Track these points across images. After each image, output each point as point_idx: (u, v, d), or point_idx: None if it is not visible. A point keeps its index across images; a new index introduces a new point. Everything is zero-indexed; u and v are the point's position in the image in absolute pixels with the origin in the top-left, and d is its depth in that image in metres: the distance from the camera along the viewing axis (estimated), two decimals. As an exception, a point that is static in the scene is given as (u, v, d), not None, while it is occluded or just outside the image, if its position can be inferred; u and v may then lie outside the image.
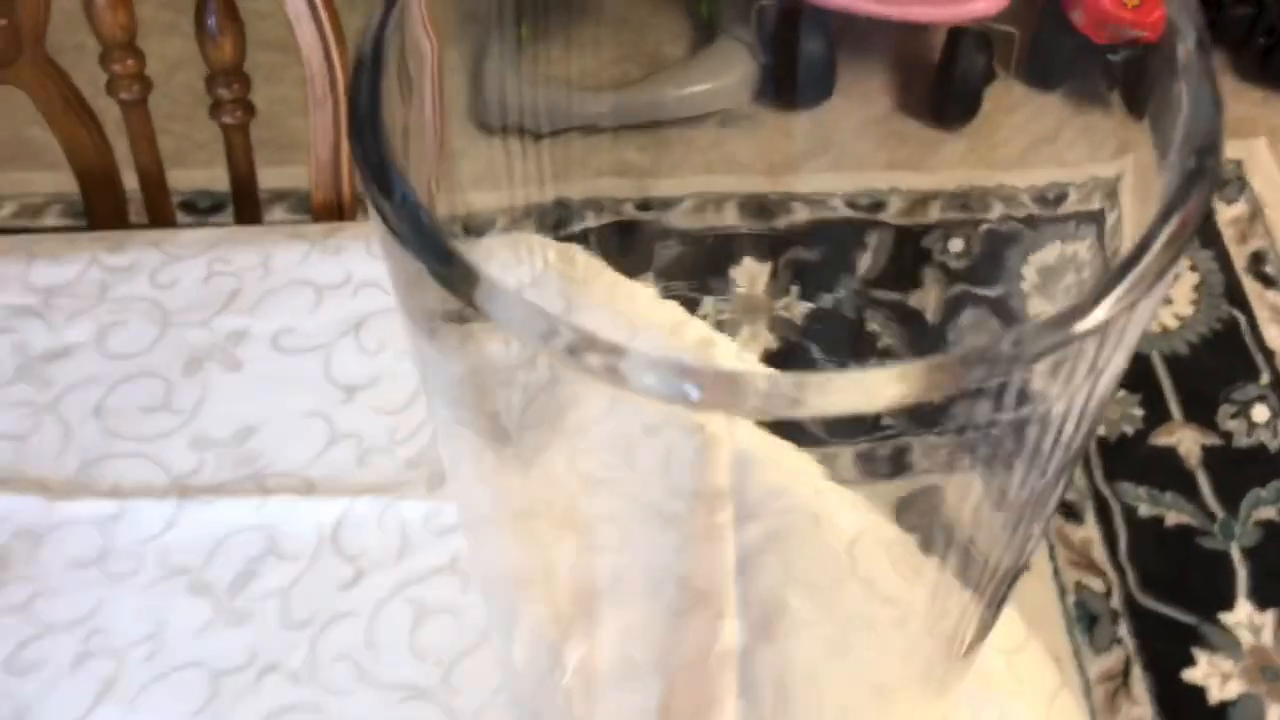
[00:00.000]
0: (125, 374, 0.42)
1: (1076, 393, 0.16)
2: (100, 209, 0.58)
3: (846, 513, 0.42)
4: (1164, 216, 0.12)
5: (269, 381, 0.42)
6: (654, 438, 0.38)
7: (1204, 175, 0.12)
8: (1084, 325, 0.12)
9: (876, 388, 0.12)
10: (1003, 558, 0.21)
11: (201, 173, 0.93)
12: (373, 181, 0.13)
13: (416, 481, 0.39)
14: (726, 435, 0.38)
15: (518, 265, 0.45)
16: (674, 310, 0.43)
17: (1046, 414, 0.17)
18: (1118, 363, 0.16)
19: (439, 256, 0.13)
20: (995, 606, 0.24)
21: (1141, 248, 0.12)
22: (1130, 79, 0.18)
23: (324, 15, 0.53)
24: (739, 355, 0.41)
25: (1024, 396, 0.15)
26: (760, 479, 0.34)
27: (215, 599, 0.37)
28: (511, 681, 0.31)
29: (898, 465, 0.18)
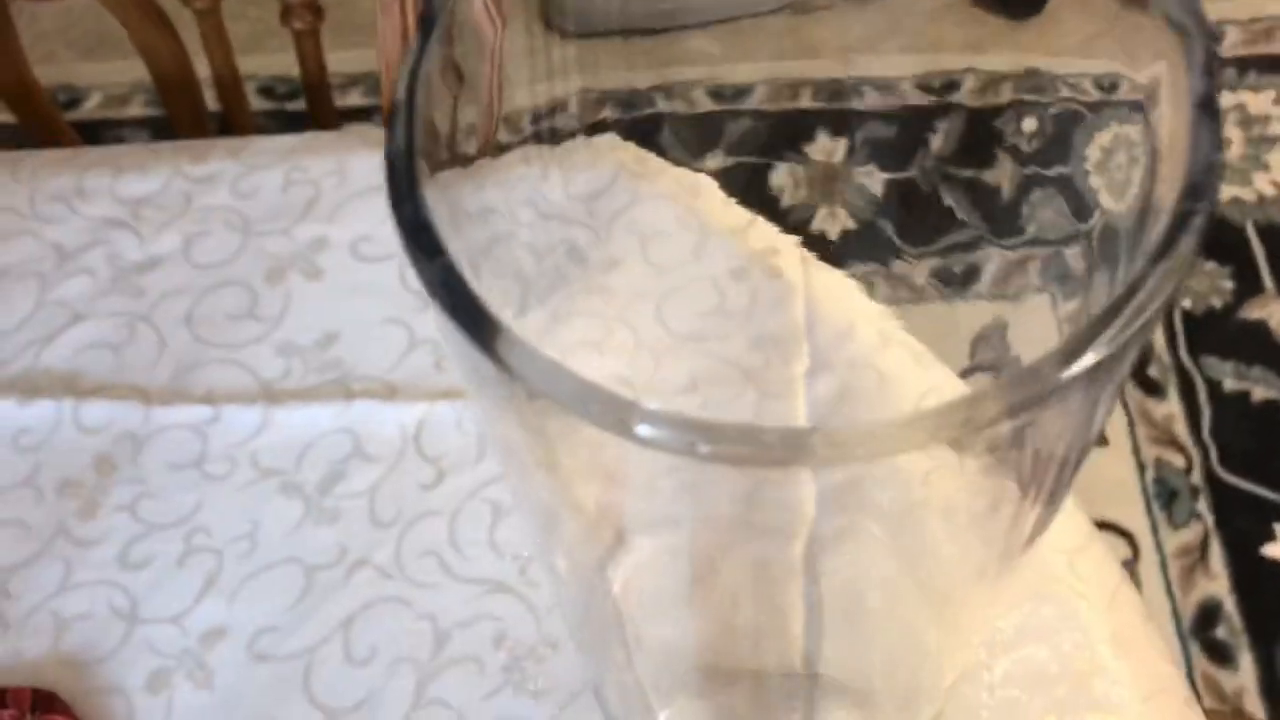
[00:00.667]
0: (212, 283, 0.43)
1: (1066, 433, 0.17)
2: (179, 113, 0.59)
3: (911, 367, 0.43)
4: (1152, 262, 0.13)
5: (349, 289, 0.43)
6: (739, 282, 0.39)
7: (1193, 220, 0.12)
8: (1068, 373, 0.13)
9: (889, 439, 0.13)
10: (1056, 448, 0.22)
11: (278, 58, 0.94)
12: (414, 248, 0.14)
13: (492, 385, 0.40)
14: (801, 279, 0.39)
15: (593, 168, 0.46)
16: (740, 213, 0.43)
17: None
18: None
19: (476, 323, 0.14)
20: (1054, 501, 0.24)
21: (1129, 293, 0.13)
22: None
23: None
24: (804, 260, 0.41)
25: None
26: (830, 322, 0.35)
27: (305, 499, 0.39)
28: (560, 593, 0.33)
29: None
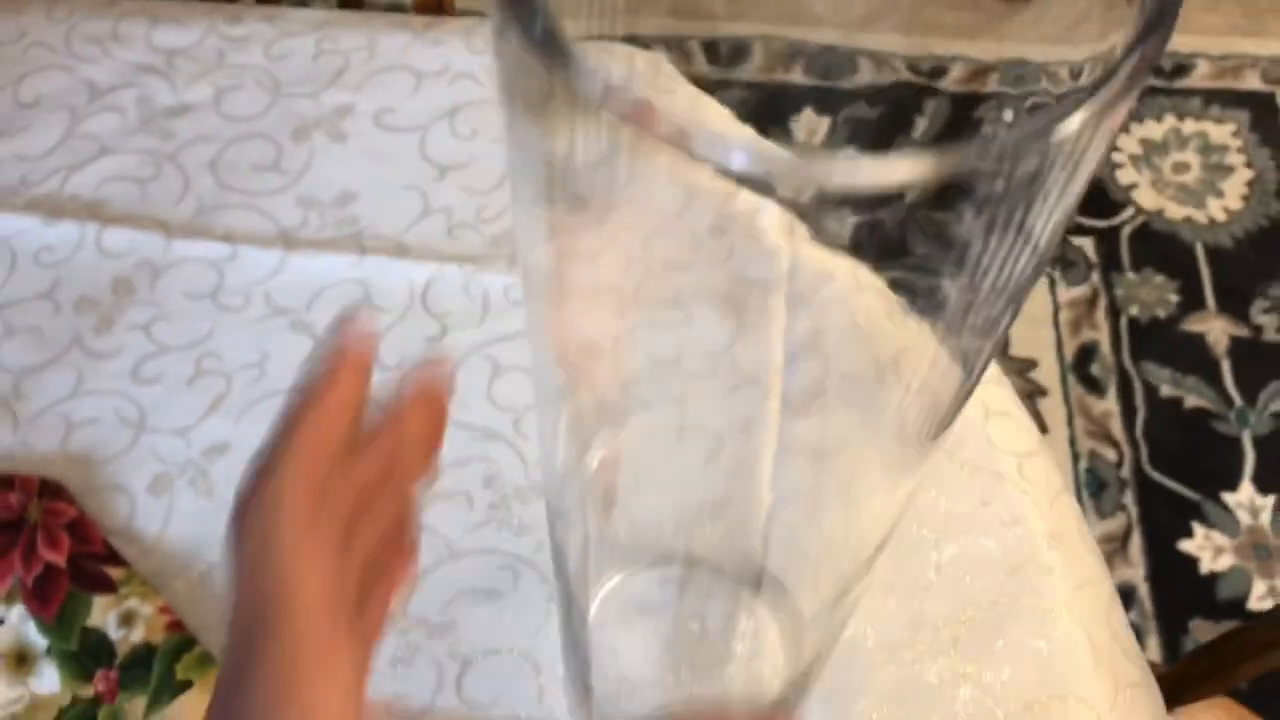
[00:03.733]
0: (239, 134, 0.45)
1: (1044, 207, 0.20)
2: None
3: (883, 315, 0.46)
4: (1128, 51, 0.16)
5: (370, 154, 0.45)
6: (722, 236, 0.42)
7: (1165, 20, 0.15)
8: (1062, 132, 0.16)
9: (895, 169, 0.16)
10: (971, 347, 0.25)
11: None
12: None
13: (499, 257, 0.43)
14: (787, 244, 0.42)
15: (607, 70, 0.48)
16: (748, 131, 0.46)
17: (1022, 222, 0.20)
18: (1078, 183, 0.19)
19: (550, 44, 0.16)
20: (965, 396, 0.27)
21: (1109, 74, 0.16)
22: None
23: None
24: (791, 225, 0.44)
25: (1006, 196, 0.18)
26: (810, 269, 0.38)
27: (314, 338, 0.41)
28: (542, 469, 0.35)
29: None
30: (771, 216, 0.38)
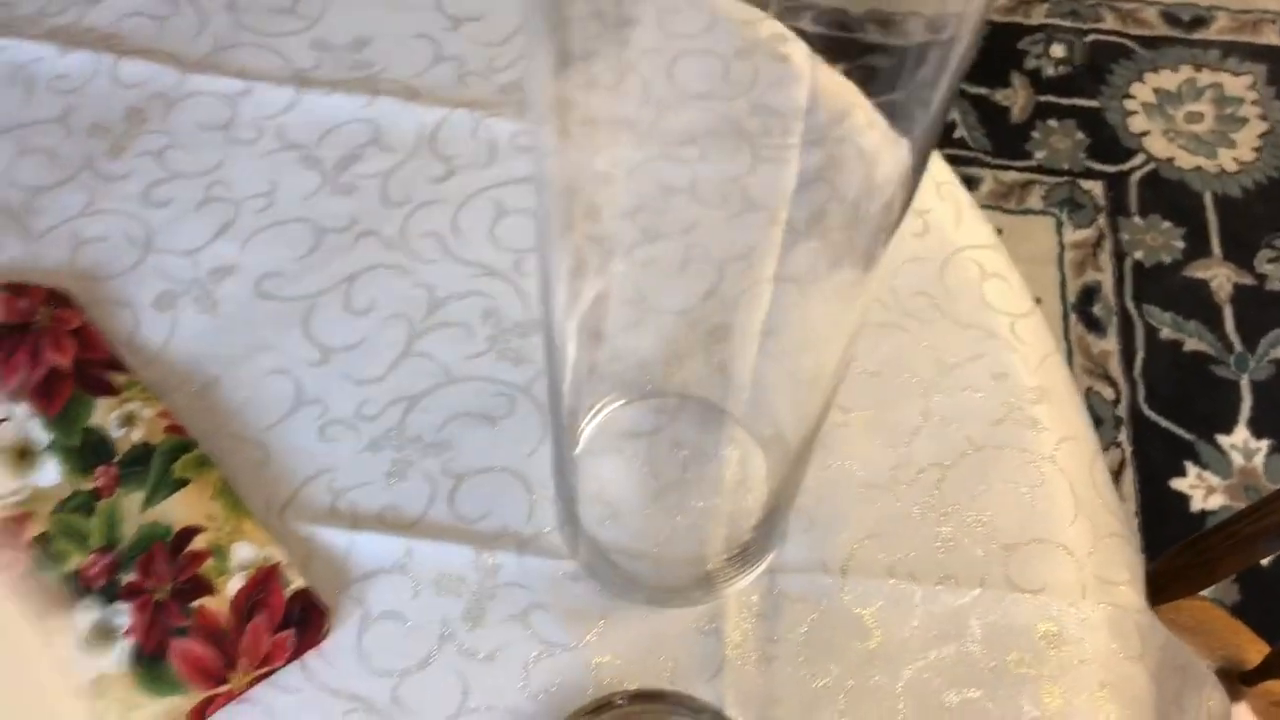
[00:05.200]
0: (256, -22, 0.46)
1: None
2: None
3: (889, 146, 0.46)
4: None
5: (385, 3, 0.46)
6: (744, 60, 0.42)
7: None
8: None
9: None
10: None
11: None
12: None
13: (508, 104, 0.43)
14: (807, 69, 0.42)
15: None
16: (752, 9, 0.46)
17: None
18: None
19: None
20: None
21: None
22: None
23: None
24: (810, 54, 0.44)
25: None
26: (828, 106, 0.38)
27: (323, 172, 0.41)
28: (541, 303, 0.36)
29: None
30: (796, 45, 0.38)
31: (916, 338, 0.39)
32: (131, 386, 0.37)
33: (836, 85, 0.40)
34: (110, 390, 0.36)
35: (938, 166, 0.44)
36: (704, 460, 0.37)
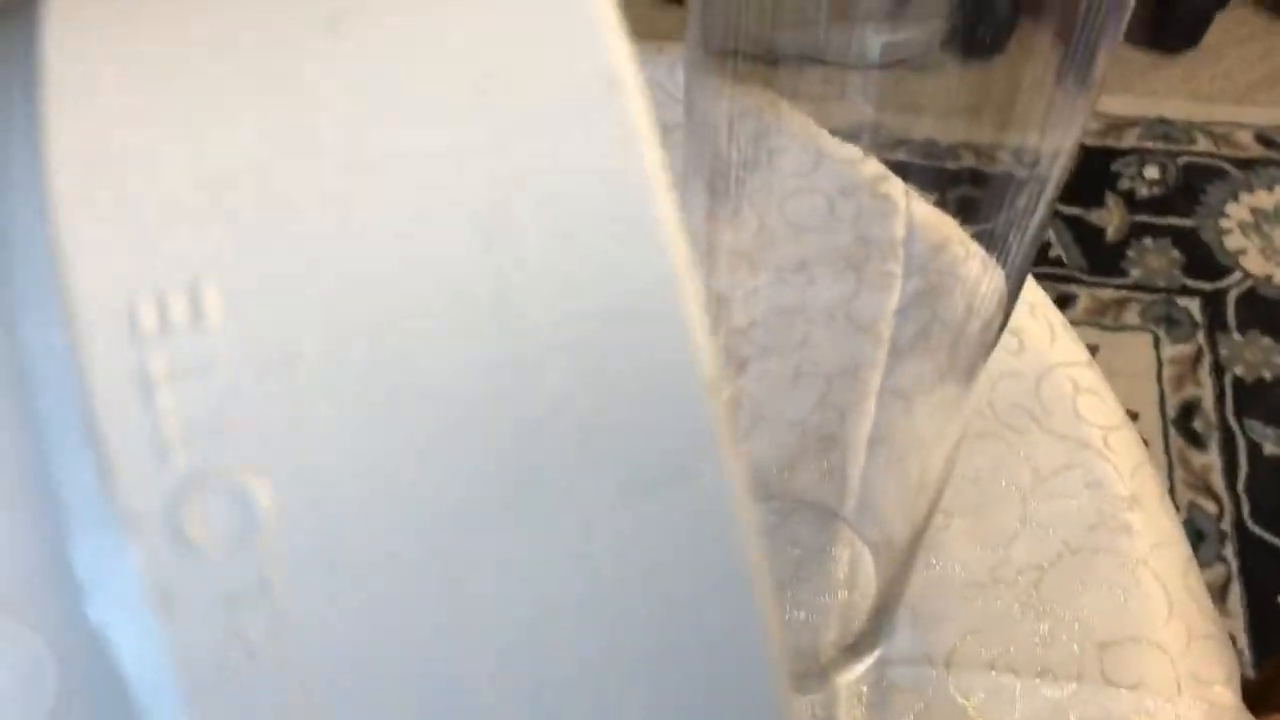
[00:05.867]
0: None
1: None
2: None
3: (985, 277, 0.50)
4: None
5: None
6: (847, 198, 0.47)
7: None
8: None
9: None
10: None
11: None
12: None
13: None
14: (904, 202, 0.46)
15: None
16: (853, 149, 0.50)
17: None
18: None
19: None
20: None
21: None
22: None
23: None
24: (906, 191, 0.48)
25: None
26: (926, 238, 0.42)
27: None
28: None
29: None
30: (894, 183, 0.43)
31: (1014, 447, 0.42)
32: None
33: (935, 219, 0.45)
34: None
35: (1030, 289, 0.47)
36: (816, 559, 0.40)
